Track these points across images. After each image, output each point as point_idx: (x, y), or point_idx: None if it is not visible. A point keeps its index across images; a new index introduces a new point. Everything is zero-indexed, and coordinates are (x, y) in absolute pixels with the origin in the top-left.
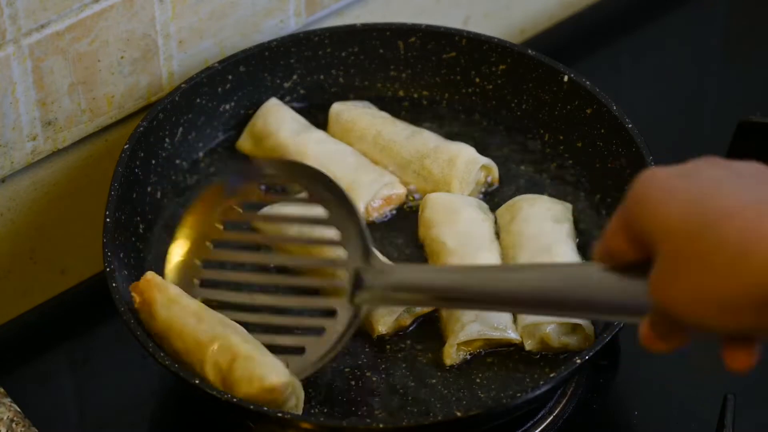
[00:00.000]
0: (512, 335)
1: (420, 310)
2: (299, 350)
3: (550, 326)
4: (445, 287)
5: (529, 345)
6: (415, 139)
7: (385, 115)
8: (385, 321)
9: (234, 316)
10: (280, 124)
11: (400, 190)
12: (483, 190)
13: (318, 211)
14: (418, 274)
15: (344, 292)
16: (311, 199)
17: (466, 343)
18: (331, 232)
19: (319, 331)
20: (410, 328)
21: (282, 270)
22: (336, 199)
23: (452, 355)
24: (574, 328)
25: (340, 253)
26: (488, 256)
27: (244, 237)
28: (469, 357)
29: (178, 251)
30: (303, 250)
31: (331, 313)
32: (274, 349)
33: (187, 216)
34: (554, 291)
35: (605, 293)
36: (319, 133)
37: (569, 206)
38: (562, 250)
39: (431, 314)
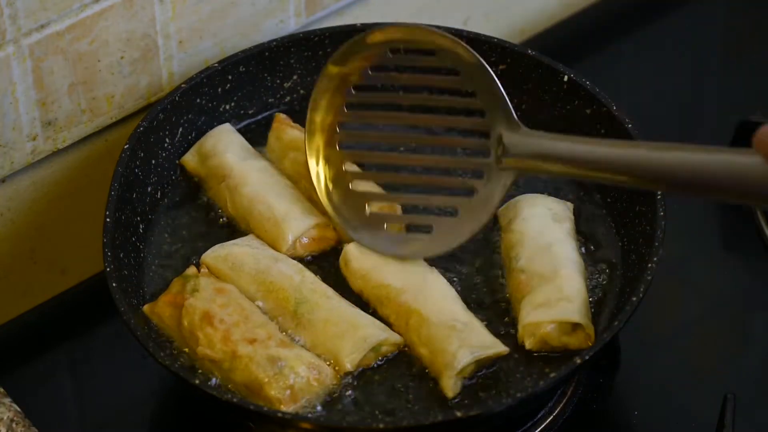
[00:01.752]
0: (501, 348)
1: (385, 350)
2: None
3: (550, 326)
4: (594, 158)
5: (529, 344)
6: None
7: None
8: (352, 359)
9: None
10: (228, 147)
11: (331, 233)
12: None
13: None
14: (567, 145)
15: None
16: (441, 62)
17: (461, 370)
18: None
19: (470, 193)
20: (373, 366)
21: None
22: (468, 63)
23: (452, 386)
24: (574, 328)
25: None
26: (435, 276)
27: (384, 97)
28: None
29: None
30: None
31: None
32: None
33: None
34: (707, 173)
35: (762, 182)
36: (263, 162)
37: (570, 205)
38: (563, 248)
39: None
